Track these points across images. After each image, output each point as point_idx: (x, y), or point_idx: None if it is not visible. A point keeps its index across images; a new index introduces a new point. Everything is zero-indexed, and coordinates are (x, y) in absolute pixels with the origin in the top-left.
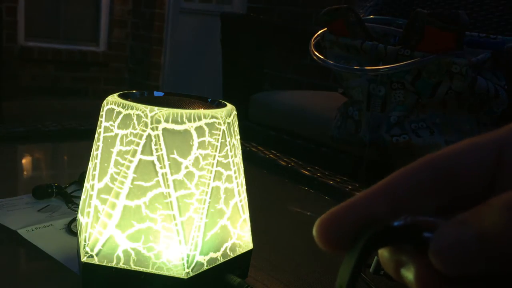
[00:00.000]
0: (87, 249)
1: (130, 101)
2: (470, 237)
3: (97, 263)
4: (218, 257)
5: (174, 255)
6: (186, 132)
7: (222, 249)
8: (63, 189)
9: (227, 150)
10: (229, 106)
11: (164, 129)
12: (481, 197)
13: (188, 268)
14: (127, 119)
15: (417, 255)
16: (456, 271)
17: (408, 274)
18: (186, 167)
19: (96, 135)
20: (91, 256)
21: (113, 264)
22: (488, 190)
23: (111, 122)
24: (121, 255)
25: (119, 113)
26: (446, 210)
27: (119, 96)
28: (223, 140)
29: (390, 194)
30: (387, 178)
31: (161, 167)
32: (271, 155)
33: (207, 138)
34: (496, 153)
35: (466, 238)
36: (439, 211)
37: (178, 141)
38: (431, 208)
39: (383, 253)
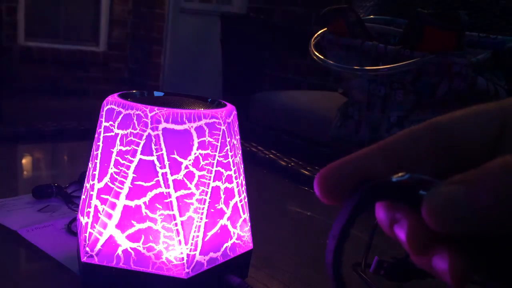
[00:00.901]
0: (87, 249)
1: (130, 101)
2: (462, 197)
3: (97, 263)
4: (218, 257)
5: (174, 255)
6: (186, 132)
7: (222, 249)
8: (63, 189)
9: (227, 150)
10: (229, 106)
11: (164, 129)
12: (481, 163)
13: (188, 268)
14: (127, 119)
15: (410, 212)
16: (446, 229)
17: (400, 232)
18: (186, 167)
19: (96, 135)
20: (91, 256)
21: (113, 264)
22: (489, 157)
23: (111, 122)
24: (121, 255)
25: (119, 113)
26: (445, 174)
27: (119, 96)
28: (223, 140)
29: (388, 153)
30: (390, 138)
31: (161, 167)
32: (271, 155)
33: (207, 138)
34: (500, 122)
35: (457, 197)
36: (438, 174)
37: (178, 141)
38: (430, 169)
39: (379, 212)
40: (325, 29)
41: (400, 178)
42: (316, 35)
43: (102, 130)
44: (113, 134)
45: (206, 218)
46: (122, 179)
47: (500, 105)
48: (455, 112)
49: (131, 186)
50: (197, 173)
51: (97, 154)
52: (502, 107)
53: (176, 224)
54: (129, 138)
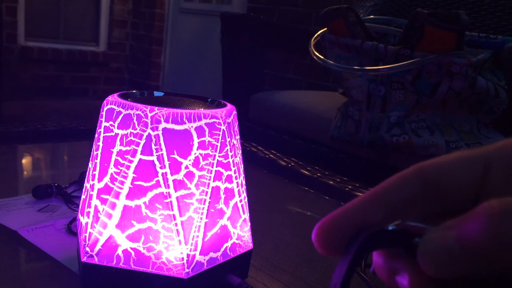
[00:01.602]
0: (87, 249)
1: (130, 101)
2: (453, 241)
3: (97, 263)
4: (218, 257)
5: (174, 255)
6: (186, 132)
7: (222, 249)
8: (63, 189)
9: (227, 150)
10: (229, 106)
11: (164, 129)
12: (470, 207)
13: (188, 268)
14: (127, 119)
15: (409, 261)
16: (441, 274)
17: (402, 281)
18: (186, 167)
19: (96, 135)
20: (91, 256)
21: (113, 264)
22: (474, 203)
23: (111, 122)
24: (121, 255)
25: (119, 113)
26: (438, 217)
27: (119, 96)
28: (223, 140)
29: (383, 203)
30: (381, 186)
31: (161, 167)
32: (271, 155)
33: (207, 138)
34: (482, 168)
35: (449, 242)
36: (431, 217)
37: (178, 141)
38: (423, 214)
39: (378, 260)
40: (325, 29)
41: (394, 227)
42: (316, 35)
43: (102, 130)
44: (113, 134)
45: (206, 218)
46: (122, 179)
47: (482, 152)
48: (440, 158)
49: (131, 186)
50: (197, 173)
51: (97, 154)
52: (484, 154)
53: (176, 224)
54: (129, 138)
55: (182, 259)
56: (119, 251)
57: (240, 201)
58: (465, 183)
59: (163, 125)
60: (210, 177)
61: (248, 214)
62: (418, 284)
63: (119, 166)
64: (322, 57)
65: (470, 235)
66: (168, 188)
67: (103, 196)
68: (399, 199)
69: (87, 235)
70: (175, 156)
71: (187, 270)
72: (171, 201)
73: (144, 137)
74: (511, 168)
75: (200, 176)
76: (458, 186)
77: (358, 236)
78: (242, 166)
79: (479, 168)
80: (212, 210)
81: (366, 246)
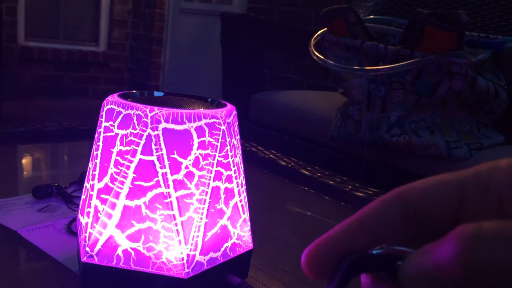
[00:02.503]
0: (87, 249)
1: (130, 101)
2: (431, 266)
3: (97, 263)
4: (218, 257)
5: (174, 255)
6: (186, 132)
7: (222, 249)
8: (63, 189)
9: (227, 150)
10: (229, 106)
11: (164, 129)
12: (447, 231)
13: (188, 268)
14: (127, 119)
15: (393, 284)
16: None
17: None
18: (186, 167)
19: (96, 135)
20: (91, 256)
21: (113, 264)
22: (453, 224)
23: (111, 122)
24: (121, 255)
25: (119, 113)
26: (420, 239)
27: (119, 96)
28: (223, 140)
29: (365, 229)
30: (362, 212)
31: (161, 167)
32: (271, 155)
33: (207, 138)
34: (459, 193)
35: (426, 266)
36: (413, 240)
37: (178, 141)
38: (405, 237)
39: (365, 281)
40: (325, 29)
41: (377, 251)
42: (316, 35)
43: (102, 130)
44: (113, 134)
45: (206, 218)
46: (122, 179)
47: (458, 176)
48: (418, 183)
49: (131, 186)
50: (197, 173)
51: (97, 154)
52: (460, 179)
53: (176, 224)
54: (129, 138)
55: (182, 259)
56: (119, 251)
57: (240, 201)
58: (443, 207)
59: (163, 125)
60: (210, 177)
61: (248, 214)
62: None
63: (119, 166)
64: (322, 57)
65: (443, 260)
66: (168, 188)
67: (103, 196)
68: (380, 225)
69: (87, 235)
70: (175, 156)
71: (187, 270)
72: (171, 201)
73: (144, 137)
74: (485, 192)
75: (200, 176)
76: (436, 210)
77: (343, 262)
78: (242, 166)
79: (456, 190)
80: (212, 210)
81: (351, 271)
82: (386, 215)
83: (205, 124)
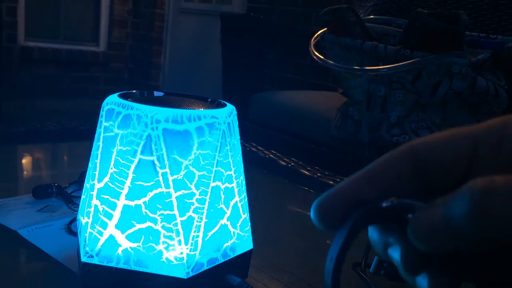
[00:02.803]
0: (87, 249)
1: (130, 101)
2: (440, 219)
3: (97, 263)
4: (218, 257)
5: (174, 255)
6: (186, 132)
7: (222, 249)
8: (63, 189)
9: (227, 150)
10: (229, 106)
11: (164, 129)
12: (458, 185)
13: (188, 268)
14: (127, 119)
15: (401, 236)
16: (429, 248)
17: (395, 254)
18: (186, 167)
19: (96, 135)
20: (91, 256)
21: (113, 264)
22: (464, 178)
23: (111, 122)
24: (121, 255)
25: (119, 113)
26: (429, 192)
27: (119, 96)
28: (223, 140)
29: (376, 182)
30: (373, 165)
31: (161, 167)
32: (271, 155)
33: (207, 138)
34: (471, 148)
35: (435, 219)
36: (423, 194)
37: (178, 141)
38: (414, 190)
39: (373, 235)
40: (325, 29)
41: (388, 204)
42: (316, 35)
43: (102, 130)
44: (113, 134)
45: (206, 218)
46: (122, 179)
47: (471, 130)
48: (430, 137)
49: (131, 186)
50: (197, 173)
51: (97, 154)
52: (473, 132)
53: (176, 224)
54: (129, 138)
55: (182, 259)
56: (119, 251)
57: (240, 201)
58: (455, 161)
59: (163, 125)
60: (210, 177)
61: (248, 214)
62: (408, 257)
63: (119, 166)
64: (322, 57)
65: (455, 212)
66: (168, 188)
67: (103, 196)
68: (391, 178)
69: (87, 235)
70: (175, 156)
71: (187, 270)
72: (171, 201)
73: (144, 137)
74: (498, 144)
75: (200, 176)
76: (448, 164)
77: (354, 213)
78: (242, 166)
79: (468, 146)
80: (212, 210)
81: (362, 221)
82: (396, 168)
83: (205, 124)
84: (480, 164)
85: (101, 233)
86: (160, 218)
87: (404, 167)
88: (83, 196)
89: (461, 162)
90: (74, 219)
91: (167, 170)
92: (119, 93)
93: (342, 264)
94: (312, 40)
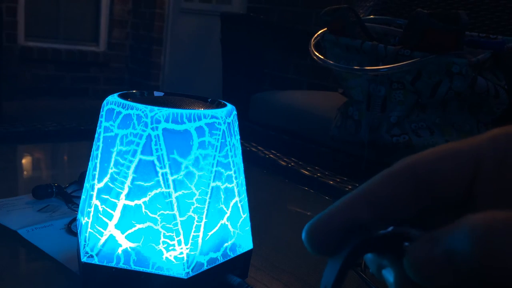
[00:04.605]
0: (87, 249)
1: (130, 101)
2: (440, 254)
3: (97, 263)
4: (218, 257)
5: (174, 255)
6: (186, 132)
7: (222, 249)
8: (63, 189)
9: (227, 150)
10: (229, 106)
11: (164, 129)
12: (461, 203)
13: (188, 268)
14: (127, 119)
15: (397, 261)
16: (427, 283)
17: (388, 276)
18: (186, 167)
19: (96, 135)
20: (91, 256)
21: (113, 264)
22: (467, 196)
23: (111, 122)
24: (121, 255)
25: (119, 113)
26: (429, 213)
27: (119, 96)
28: (223, 140)
29: (372, 201)
30: (369, 184)
31: (161, 167)
32: (271, 155)
33: (207, 138)
34: (474, 161)
35: (436, 254)
36: (421, 213)
37: (178, 141)
38: (412, 212)
39: (368, 254)
40: (325, 29)
41: (385, 232)
42: (316, 35)
43: (102, 130)
44: (113, 134)
45: (206, 218)
46: (122, 179)
47: (473, 144)
48: (430, 151)
49: (131, 186)
50: (197, 173)
51: (97, 154)
52: (475, 147)
53: (176, 224)
54: (129, 138)
55: (182, 259)
56: (119, 251)
57: (240, 201)
58: (458, 177)
59: (163, 125)
60: (210, 177)
61: (248, 214)
62: (402, 284)
63: (119, 166)
64: (322, 57)
65: (455, 250)
66: (168, 188)
67: (103, 196)
68: (389, 198)
69: (87, 235)
70: (175, 156)
71: (187, 270)
72: (171, 201)
73: (144, 137)
74: (503, 161)
75: (200, 176)
76: (450, 181)
77: (349, 240)
78: (242, 166)
79: (471, 161)
80: (212, 210)
81: (358, 251)
82: (395, 188)
83: (205, 124)
84: (484, 180)
85: (101, 233)
86: (160, 218)
87: (402, 186)
88: (83, 196)
89: (464, 178)
90: (74, 219)
91: (167, 170)
92: (119, 93)
93: None
94: (312, 40)
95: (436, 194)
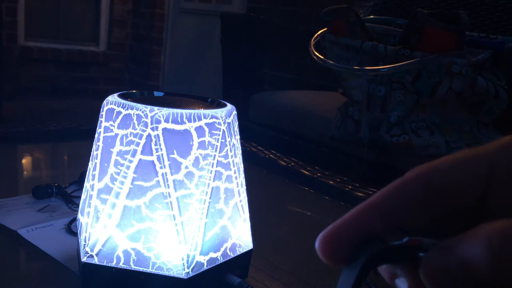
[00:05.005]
0: (87, 249)
1: (130, 101)
2: (455, 264)
3: (97, 263)
4: (218, 257)
5: (174, 255)
6: (186, 132)
7: (222, 249)
8: (63, 189)
9: (227, 150)
10: (229, 106)
11: (164, 129)
12: (475, 211)
13: (188, 268)
14: (127, 119)
15: (410, 271)
16: None
17: (402, 285)
18: (186, 167)
19: (96, 135)
20: (91, 256)
21: (113, 264)
22: (480, 204)
23: (111, 122)
24: (121, 255)
25: (119, 113)
26: (441, 221)
27: (119, 96)
28: (223, 140)
29: (384, 210)
30: (381, 193)
31: (161, 167)
32: (271, 155)
33: (207, 138)
34: (487, 169)
35: (451, 264)
36: (433, 222)
37: (178, 141)
38: (425, 221)
39: (384, 270)
40: (325, 29)
41: (399, 242)
42: (316, 35)
43: (102, 130)
44: (113, 134)
45: (206, 218)
46: (122, 179)
47: (486, 151)
48: (442, 161)
49: (131, 186)
50: (197, 173)
51: (97, 154)
52: (488, 154)
53: (176, 224)
54: (129, 138)
55: (182, 259)
56: (119, 251)
57: (240, 201)
58: (471, 186)
59: (163, 125)
60: (210, 177)
61: (248, 214)
62: None
63: (119, 166)
64: (322, 57)
65: (471, 259)
66: (168, 188)
67: (103, 196)
68: (401, 207)
69: (87, 235)
70: (175, 156)
71: (187, 270)
72: (171, 201)
73: (144, 137)
74: None
75: (200, 176)
76: (463, 190)
77: (363, 251)
78: (242, 166)
79: (484, 169)
80: (212, 210)
81: (372, 262)
82: (406, 196)
83: (205, 124)
84: (497, 188)
85: (101, 233)
86: (160, 218)
87: (414, 194)
88: (83, 196)
89: (477, 187)
90: (74, 219)
91: (167, 170)
92: (119, 93)
93: None
94: (312, 40)
95: (449, 202)
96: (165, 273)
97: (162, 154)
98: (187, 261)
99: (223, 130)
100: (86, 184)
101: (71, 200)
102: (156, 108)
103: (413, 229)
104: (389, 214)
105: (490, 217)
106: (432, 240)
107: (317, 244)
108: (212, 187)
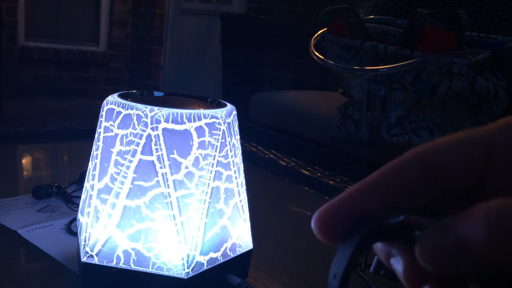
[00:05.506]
0: (87, 249)
1: (130, 101)
2: (451, 243)
3: (97, 263)
4: (218, 257)
5: (174, 255)
6: (186, 132)
7: (222, 249)
8: (63, 189)
9: (227, 150)
10: (229, 106)
11: (164, 129)
12: (471, 192)
13: (188, 268)
14: (127, 119)
15: (406, 250)
16: (438, 272)
17: (397, 265)
18: (186, 167)
19: (96, 135)
20: (91, 256)
21: (113, 264)
22: (477, 185)
23: (111, 122)
24: (121, 255)
25: (119, 113)
26: (438, 203)
27: (119, 96)
28: (223, 140)
29: (381, 190)
30: (378, 173)
31: (161, 167)
32: (271, 155)
33: (207, 138)
34: (485, 150)
35: (447, 243)
36: (430, 203)
37: (178, 141)
38: (422, 200)
39: (377, 243)
40: (325, 29)
41: (395, 220)
42: (316, 35)
43: (102, 130)
44: (113, 134)
45: (206, 218)
46: (122, 179)
47: (484, 132)
48: (439, 142)
49: (131, 186)
50: (197, 173)
51: (97, 154)
52: (486, 135)
53: (176, 224)
54: (129, 138)
55: (182, 259)
56: (119, 251)
57: (240, 201)
58: (468, 165)
59: (163, 125)
60: (210, 177)
61: (248, 214)
62: (412, 272)
63: (119, 166)
64: (322, 57)
65: (468, 237)
66: (168, 188)
67: (103, 196)
68: (397, 187)
69: (87, 235)
70: (175, 156)
71: (187, 270)
72: (171, 201)
73: (144, 137)
74: None
75: (200, 176)
76: (460, 170)
77: (359, 229)
78: (242, 166)
79: (482, 150)
80: (212, 210)
81: (367, 240)
82: (403, 177)
83: (205, 124)
84: (495, 168)
85: (101, 233)
86: (160, 218)
87: (411, 175)
88: (83, 196)
89: (475, 167)
90: (74, 219)
91: (167, 170)
92: (119, 93)
93: (348, 283)
94: (312, 40)
95: (446, 183)
96: (165, 273)
97: (162, 154)
98: (187, 261)
99: (223, 130)
100: (86, 184)
101: (71, 200)
102: (156, 108)
103: (410, 209)
104: (385, 194)
105: (487, 197)
106: (429, 220)
107: (312, 221)
108: (212, 187)
